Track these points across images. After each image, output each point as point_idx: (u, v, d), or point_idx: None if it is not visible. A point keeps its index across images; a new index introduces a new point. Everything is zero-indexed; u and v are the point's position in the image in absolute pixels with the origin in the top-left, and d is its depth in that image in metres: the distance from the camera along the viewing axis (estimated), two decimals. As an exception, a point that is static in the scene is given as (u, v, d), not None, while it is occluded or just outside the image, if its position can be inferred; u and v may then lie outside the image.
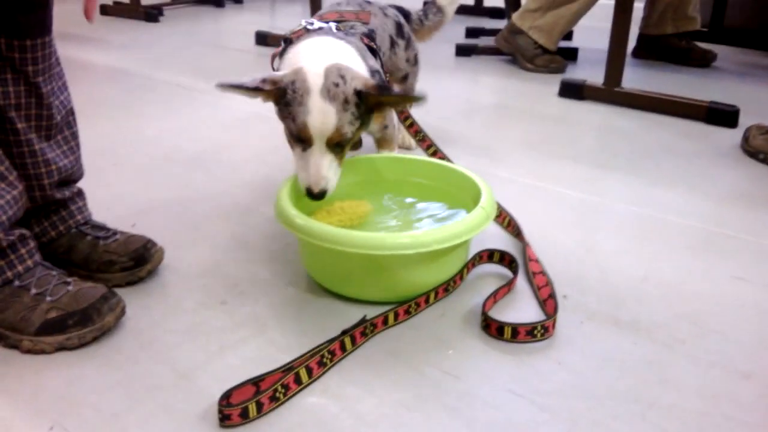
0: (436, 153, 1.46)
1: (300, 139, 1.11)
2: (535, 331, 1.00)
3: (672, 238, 1.33)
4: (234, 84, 1.08)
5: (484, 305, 1.05)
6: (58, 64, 1.09)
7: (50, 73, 1.06)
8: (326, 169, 1.11)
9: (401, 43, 1.54)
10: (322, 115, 1.08)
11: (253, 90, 1.09)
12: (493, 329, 1.01)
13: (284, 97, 1.10)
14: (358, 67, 1.16)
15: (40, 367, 0.95)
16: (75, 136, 1.15)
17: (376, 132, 1.43)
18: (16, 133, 1.04)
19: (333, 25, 1.28)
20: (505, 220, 1.34)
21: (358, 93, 1.11)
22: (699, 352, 0.99)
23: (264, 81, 1.09)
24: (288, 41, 1.25)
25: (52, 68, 1.07)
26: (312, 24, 1.27)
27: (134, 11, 3.81)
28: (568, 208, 1.47)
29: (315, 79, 1.09)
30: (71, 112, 1.13)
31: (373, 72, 1.20)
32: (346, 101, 1.09)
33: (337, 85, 1.09)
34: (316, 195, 1.12)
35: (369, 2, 1.53)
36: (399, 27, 1.53)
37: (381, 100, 1.14)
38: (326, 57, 1.13)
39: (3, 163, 1.00)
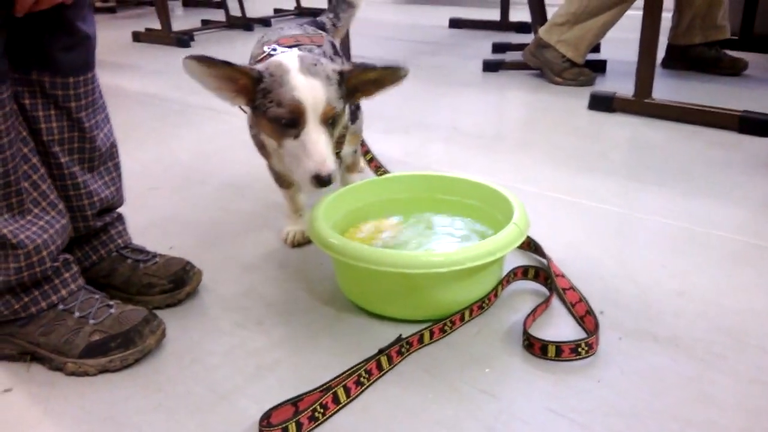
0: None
1: (291, 122, 1.04)
2: (580, 349, 0.99)
3: (708, 251, 1.31)
4: (203, 57, 1.00)
5: (524, 324, 1.05)
6: (101, 98, 1.12)
7: (94, 108, 1.09)
8: (328, 147, 1.05)
9: (339, 60, 1.44)
10: (310, 89, 1.03)
11: (226, 66, 1.01)
12: (537, 348, 1.00)
13: (260, 84, 1.04)
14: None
15: (83, 389, 0.98)
16: (117, 167, 1.18)
17: (347, 157, 1.42)
18: (60, 167, 1.07)
19: (295, 50, 1.18)
20: None
21: (339, 72, 1.08)
22: (739, 368, 0.97)
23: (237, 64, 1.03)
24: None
25: (95, 103, 1.10)
26: (275, 49, 1.19)
27: (166, 37, 3.90)
28: (601, 222, 1.46)
29: (291, 62, 1.06)
30: (114, 144, 1.16)
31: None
32: (327, 77, 1.06)
33: (315, 64, 1.07)
34: (324, 179, 1.03)
35: (302, 25, 1.46)
36: (333, 45, 1.46)
37: (362, 78, 1.10)
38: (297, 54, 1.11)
39: (47, 198, 1.03)
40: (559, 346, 0.99)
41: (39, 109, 1.02)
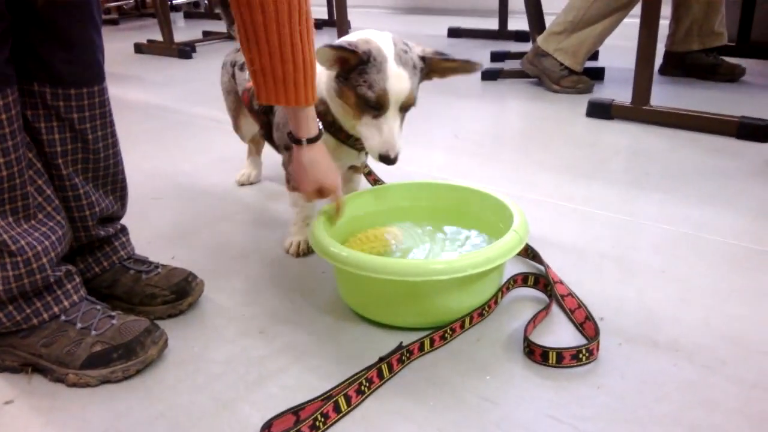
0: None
1: (375, 105, 1.15)
2: (581, 355, 0.99)
3: (708, 257, 1.31)
4: (336, 45, 1.12)
5: (525, 331, 1.05)
6: (110, 112, 1.11)
7: (103, 121, 1.08)
8: (399, 131, 1.18)
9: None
10: (398, 81, 1.14)
11: (349, 51, 1.12)
12: (538, 355, 1.00)
13: (361, 64, 1.14)
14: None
15: (85, 400, 0.98)
16: (122, 178, 1.18)
17: (359, 160, 1.44)
18: (61, 178, 1.07)
19: (388, 33, 1.29)
20: None
21: (423, 59, 1.18)
22: (741, 373, 0.97)
23: (351, 44, 1.14)
24: None
25: (104, 116, 1.09)
26: None
27: (167, 49, 3.92)
28: (600, 228, 1.46)
29: (388, 47, 1.15)
30: (118, 154, 1.15)
31: None
32: (414, 66, 1.17)
33: (405, 52, 1.16)
34: (393, 159, 1.17)
35: None
36: None
37: (443, 66, 1.22)
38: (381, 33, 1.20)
39: (51, 204, 1.03)
40: (560, 353, 0.99)
41: (40, 121, 1.02)
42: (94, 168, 1.11)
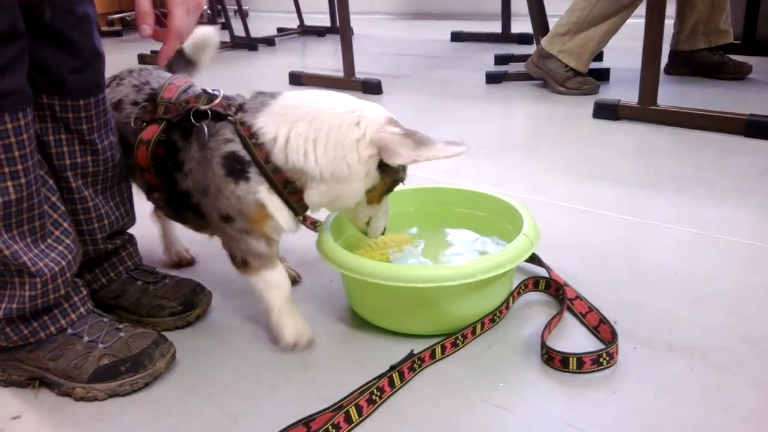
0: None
1: (392, 189, 1.06)
2: (601, 359, 0.97)
3: (722, 257, 1.30)
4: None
5: (542, 337, 1.03)
6: (112, 119, 1.11)
7: (106, 129, 1.08)
8: None
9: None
10: None
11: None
12: (557, 362, 0.98)
13: None
14: None
15: (93, 414, 0.97)
16: (129, 187, 1.18)
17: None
18: (71, 191, 1.06)
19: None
20: None
21: None
22: (759, 375, 0.95)
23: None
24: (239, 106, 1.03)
25: (108, 124, 1.08)
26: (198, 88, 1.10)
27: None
28: (611, 230, 1.45)
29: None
30: (122, 162, 1.14)
31: None
32: None
33: None
34: (385, 230, 1.13)
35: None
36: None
37: None
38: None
39: (66, 220, 1.02)
40: (580, 358, 0.97)
41: (49, 134, 1.02)
42: (104, 179, 1.10)
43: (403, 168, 1.05)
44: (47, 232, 0.99)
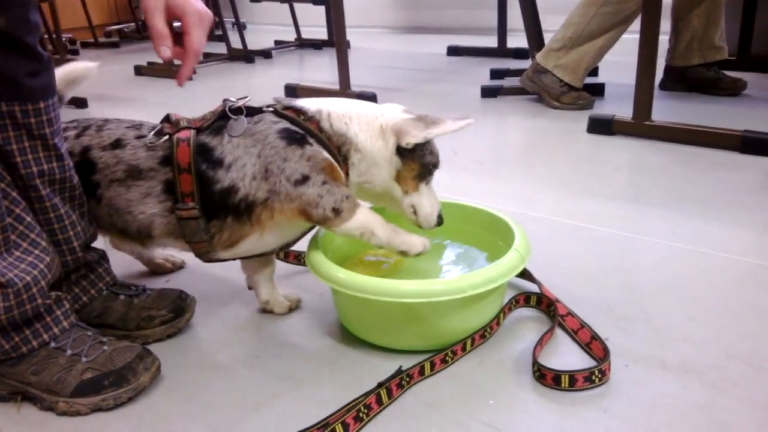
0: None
1: (433, 169, 1.14)
2: (593, 377, 0.96)
3: (716, 274, 1.28)
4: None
5: (534, 354, 1.01)
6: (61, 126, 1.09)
7: (61, 136, 1.07)
8: None
9: None
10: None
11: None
12: (549, 379, 0.97)
13: None
14: None
15: (76, 429, 0.95)
16: (83, 196, 1.13)
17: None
18: (41, 200, 1.04)
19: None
20: None
21: None
22: (754, 394, 0.94)
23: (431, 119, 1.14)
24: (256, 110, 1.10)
25: (61, 130, 1.07)
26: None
27: (167, 71, 3.93)
28: (604, 246, 1.44)
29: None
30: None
31: None
32: None
33: None
34: (442, 219, 1.16)
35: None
36: None
37: None
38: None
39: (33, 231, 1.01)
40: (572, 376, 0.96)
41: (12, 143, 1.00)
42: (70, 187, 1.07)
43: (427, 152, 1.12)
44: (13, 244, 0.98)
